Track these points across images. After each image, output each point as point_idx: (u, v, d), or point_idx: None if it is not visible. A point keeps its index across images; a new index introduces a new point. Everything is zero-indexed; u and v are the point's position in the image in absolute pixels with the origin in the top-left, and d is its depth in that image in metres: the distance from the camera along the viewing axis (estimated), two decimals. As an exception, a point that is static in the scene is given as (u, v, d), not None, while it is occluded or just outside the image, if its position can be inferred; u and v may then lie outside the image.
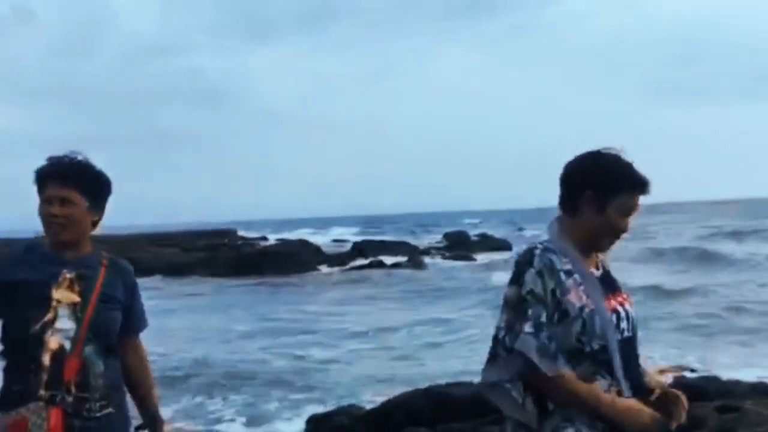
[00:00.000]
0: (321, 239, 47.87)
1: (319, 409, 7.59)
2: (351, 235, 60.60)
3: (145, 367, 2.62)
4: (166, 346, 12.40)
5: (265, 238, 55.73)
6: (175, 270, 30.02)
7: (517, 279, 2.04)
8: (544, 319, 1.99)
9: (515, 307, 2.01)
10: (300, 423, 8.11)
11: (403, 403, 6.76)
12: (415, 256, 33.22)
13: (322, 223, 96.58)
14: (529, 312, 1.98)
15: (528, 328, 1.97)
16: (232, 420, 8.75)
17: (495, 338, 2.05)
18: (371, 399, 7.73)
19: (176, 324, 15.17)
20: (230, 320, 17.73)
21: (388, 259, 32.05)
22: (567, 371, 1.99)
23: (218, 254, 34.80)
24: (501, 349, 2.02)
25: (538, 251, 2.06)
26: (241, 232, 63.00)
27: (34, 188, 2.44)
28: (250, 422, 8.64)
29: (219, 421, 8.69)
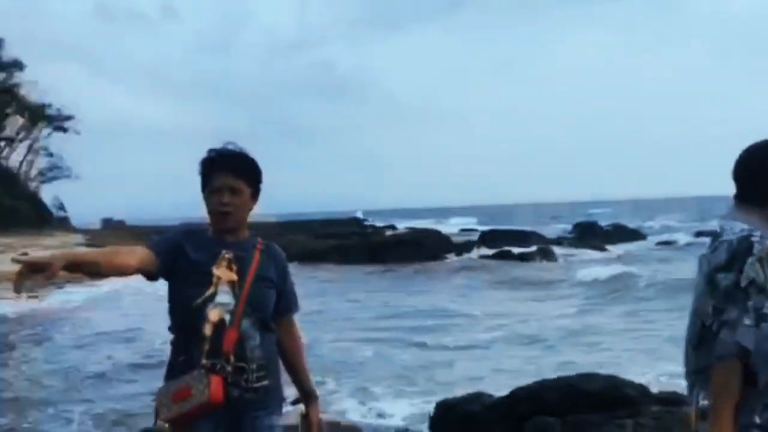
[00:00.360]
0: (447, 229, 47.89)
1: (444, 395, 7.63)
2: (472, 225, 60.31)
3: (298, 345, 2.76)
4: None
5: (393, 227, 56.41)
6: (308, 256, 30.93)
7: (732, 267, 2.03)
8: (766, 309, 1.98)
9: (731, 296, 2.01)
10: (415, 408, 8.19)
11: (532, 393, 6.68)
12: (544, 246, 32.68)
13: (442, 214, 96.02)
14: (749, 303, 1.98)
15: (747, 319, 1.97)
16: (346, 400, 8.81)
17: (702, 326, 2.07)
18: (498, 388, 7.70)
19: (304, 307, 15.68)
20: (357, 306, 18.15)
21: (516, 249, 31.72)
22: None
23: (349, 242, 35.66)
24: (710, 336, 2.03)
25: (756, 239, 2.04)
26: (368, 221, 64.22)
27: (196, 179, 2.60)
28: (365, 404, 8.66)
29: (332, 402, 8.68)
